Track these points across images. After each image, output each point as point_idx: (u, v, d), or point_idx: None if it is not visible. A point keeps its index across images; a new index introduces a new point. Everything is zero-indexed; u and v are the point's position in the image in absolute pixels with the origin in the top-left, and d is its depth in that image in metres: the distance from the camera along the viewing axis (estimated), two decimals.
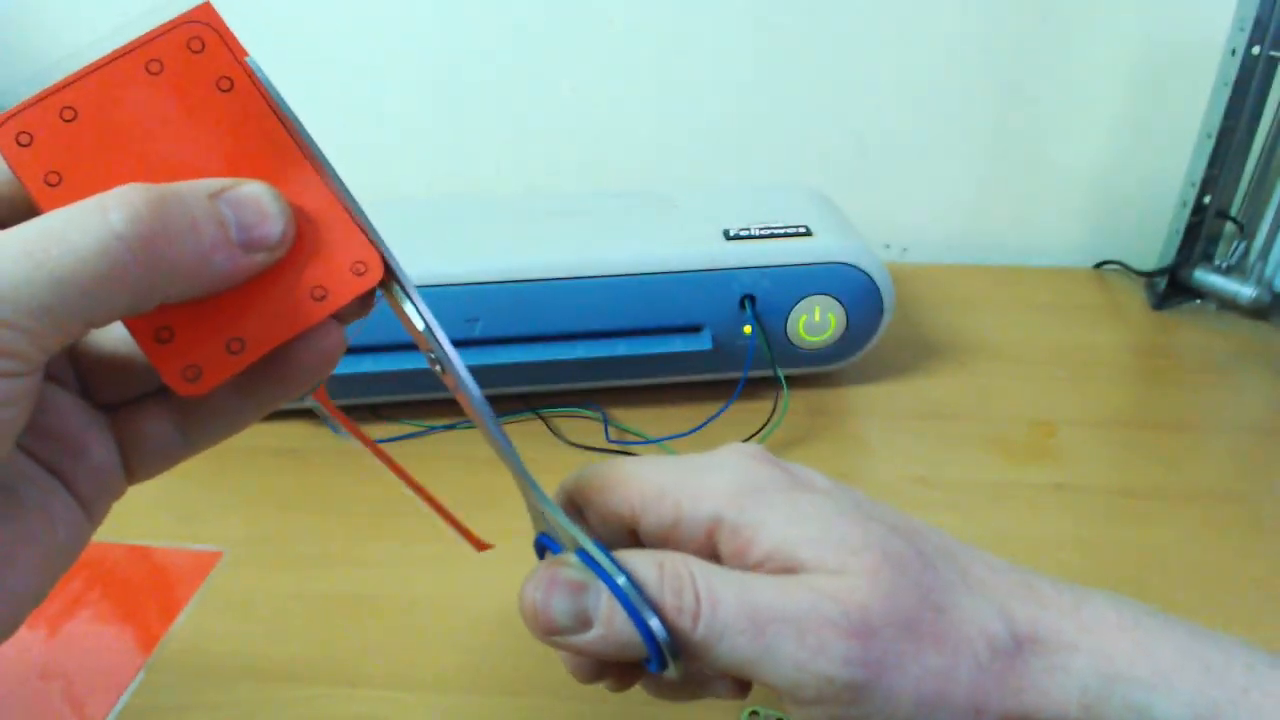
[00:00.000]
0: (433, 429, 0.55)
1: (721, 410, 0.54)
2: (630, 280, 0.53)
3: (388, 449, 0.27)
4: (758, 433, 0.54)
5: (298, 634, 0.42)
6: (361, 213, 0.22)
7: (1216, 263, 0.69)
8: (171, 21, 0.20)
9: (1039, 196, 0.79)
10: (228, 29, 0.21)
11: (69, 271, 0.17)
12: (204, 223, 0.19)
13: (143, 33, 0.20)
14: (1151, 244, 0.71)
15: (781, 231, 0.55)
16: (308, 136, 0.21)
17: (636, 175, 0.81)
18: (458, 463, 0.53)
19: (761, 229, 0.55)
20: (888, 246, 0.82)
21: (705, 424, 0.54)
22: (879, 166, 0.78)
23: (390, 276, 0.22)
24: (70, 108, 0.20)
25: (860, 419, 0.58)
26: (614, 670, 0.27)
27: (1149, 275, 0.71)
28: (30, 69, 0.79)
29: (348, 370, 0.52)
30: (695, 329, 0.54)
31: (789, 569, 0.24)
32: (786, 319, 0.55)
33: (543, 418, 0.56)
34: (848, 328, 0.56)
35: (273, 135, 0.21)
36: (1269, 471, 0.52)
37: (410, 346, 0.54)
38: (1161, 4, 0.69)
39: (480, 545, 0.29)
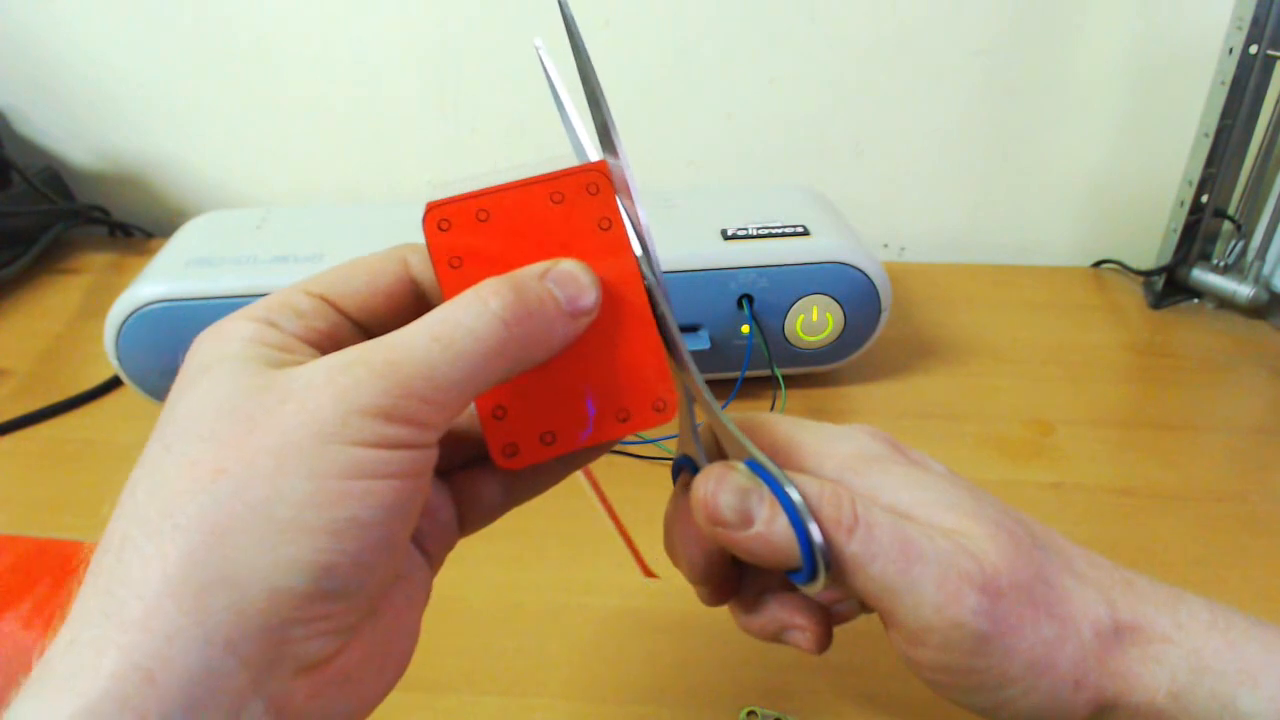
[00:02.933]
0: None
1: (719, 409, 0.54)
2: None
3: None
4: None
5: None
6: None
7: (1214, 262, 0.69)
8: (578, 167, 0.26)
9: (1036, 196, 0.79)
10: (612, 183, 0.26)
11: (468, 350, 0.21)
12: (547, 300, 0.23)
13: (547, 171, 0.25)
14: (1149, 243, 0.71)
15: (779, 231, 0.55)
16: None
17: (635, 175, 0.81)
18: None
19: (759, 229, 0.55)
20: (885, 246, 0.82)
21: (703, 423, 0.54)
22: (876, 166, 0.78)
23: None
24: (485, 211, 0.25)
25: (858, 419, 0.57)
26: (719, 580, 0.29)
27: (1146, 274, 0.71)
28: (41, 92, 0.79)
29: None
30: (693, 329, 0.55)
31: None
32: (784, 318, 0.55)
33: None
34: (845, 327, 0.56)
35: (628, 270, 0.26)
36: (1266, 471, 0.52)
37: None
38: (1159, 3, 0.69)
39: (648, 572, 0.33)
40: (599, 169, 0.25)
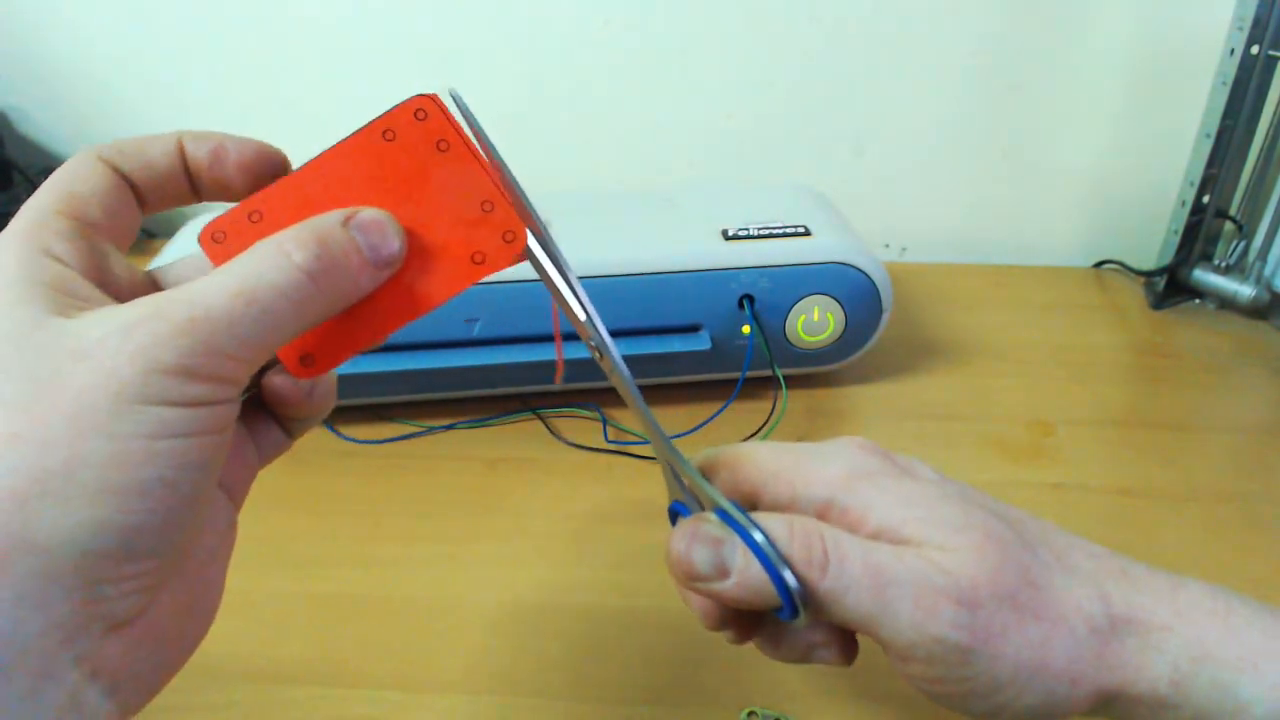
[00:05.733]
0: (432, 429, 0.55)
1: (720, 410, 0.54)
2: (629, 280, 0.53)
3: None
4: (756, 433, 0.54)
5: (298, 634, 0.42)
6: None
7: (1215, 262, 0.69)
8: (403, 102, 0.25)
9: (1038, 196, 0.79)
10: (445, 106, 0.25)
11: (273, 305, 0.21)
12: (350, 250, 0.23)
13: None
14: (1150, 243, 0.71)
15: (780, 231, 0.55)
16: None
17: (635, 175, 0.81)
18: (456, 463, 0.53)
19: (760, 229, 0.55)
20: (886, 246, 0.82)
21: (704, 424, 0.54)
22: (877, 166, 0.78)
23: (559, 273, 0.26)
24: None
25: (859, 419, 0.58)
26: (736, 622, 0.29)
27: (1148, 275, 0.71)
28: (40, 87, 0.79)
29: (349, 370, 0.52)
30: (694, 329, 0.54)
31: (897, 545, 0.26)
32: (785, 319, 0.55)
33: (541, 417, 0.56)
34: (846, 327, 0.56)
35: (476, 186, 0.25)
36: (1268, 471, 0.52)
37: (410, 348, 0.54)
38: (1160, 3, 0.69)
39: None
40: (422, 98, 0.25)
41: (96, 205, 0.23)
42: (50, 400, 0.19)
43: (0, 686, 0.18)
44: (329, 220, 0.23)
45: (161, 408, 0.19)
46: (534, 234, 0.25)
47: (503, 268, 0.25)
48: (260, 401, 0.27)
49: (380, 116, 0.25)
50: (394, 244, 0.24)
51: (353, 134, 0.24)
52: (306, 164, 0.24)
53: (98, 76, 0.80)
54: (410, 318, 0.25)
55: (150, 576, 0.20)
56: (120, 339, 0.19)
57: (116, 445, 0.19)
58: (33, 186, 0.80)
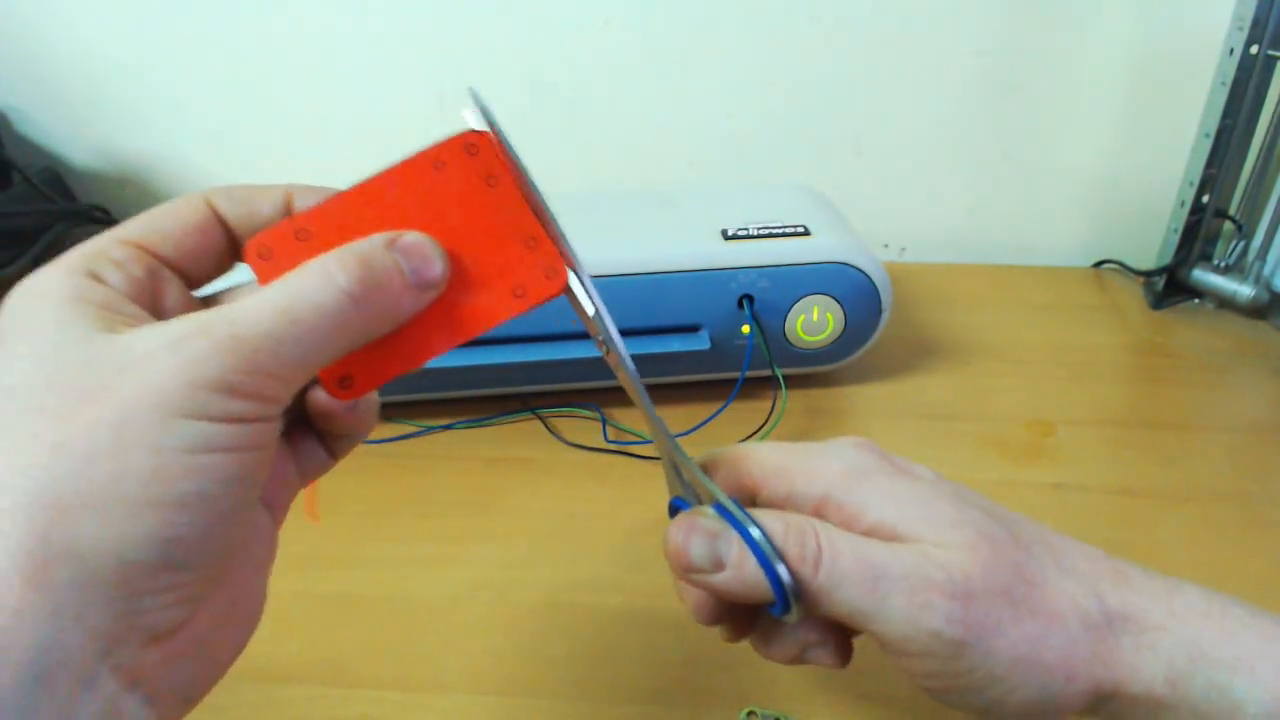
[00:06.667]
0: (430, 429, 0.55)
1: (720, 410, 0.54)
2: (628, 280, 0.53)
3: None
4: (756, 433, 0.54)
5: (298, 634, 0.42)
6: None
7: (1215, 262, 0.69)
8: (455, 135, 0.25)
9: (1037, 196, 0.79)
10: (497, 141, 0.25)
11: (315, 325, 0.21)
12: (393, 272, 0.23)
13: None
14: (1150, 243, 0.71)
15: (780, 231, 0.55)
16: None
17: (635, 175, 0.81)
18: (454, 463, 0.53)
19: (760, 229, 0.55)
20: (886, 246, 0.82)
21: (703, 424, 0.54)
22: (877, 166, 0.78)
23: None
24: (305, 229, 0.24)
25: (858, 419, 0.58)
26: (731, 617, 0.30)
27: (1147, 275, 0.71)
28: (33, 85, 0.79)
29: None
30: (693, 329, 0.55)
31: (892, 541, 0.27)
32: (785, 319, 0.55)
33: (541, 417, 0.56)
34: (846, 327, 0.56)
35: (521, 221, 0.25)
36: (1267, 470, 0.52)
37: None
38: (1160, 3, 0.69)
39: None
40: (474, 134, 0.25)
41: (171, 242, 0.24)
42: (94, 412, 0.19)
43: (39, 694, 0.18)
44: (373, 243, 0.23)
45: (203, 422, 0.19)
46: (572, 270, 0.26)
47: (541, 302, 0.26)
48: (303, 418, 0.27)
49: (431, 146, 0.25)
50: (436, 268, 0.24)
51: (403, 161, 0.25)
52: (355, 186, 0.25)
53: (98, 76, 0.80)
54: (450, 345, 0.25)
55: (189, 589, 0.20)
56: (165, 354, 0.20)
57: (158, 458, 0.19)
58: (32, 186, 0.81)
